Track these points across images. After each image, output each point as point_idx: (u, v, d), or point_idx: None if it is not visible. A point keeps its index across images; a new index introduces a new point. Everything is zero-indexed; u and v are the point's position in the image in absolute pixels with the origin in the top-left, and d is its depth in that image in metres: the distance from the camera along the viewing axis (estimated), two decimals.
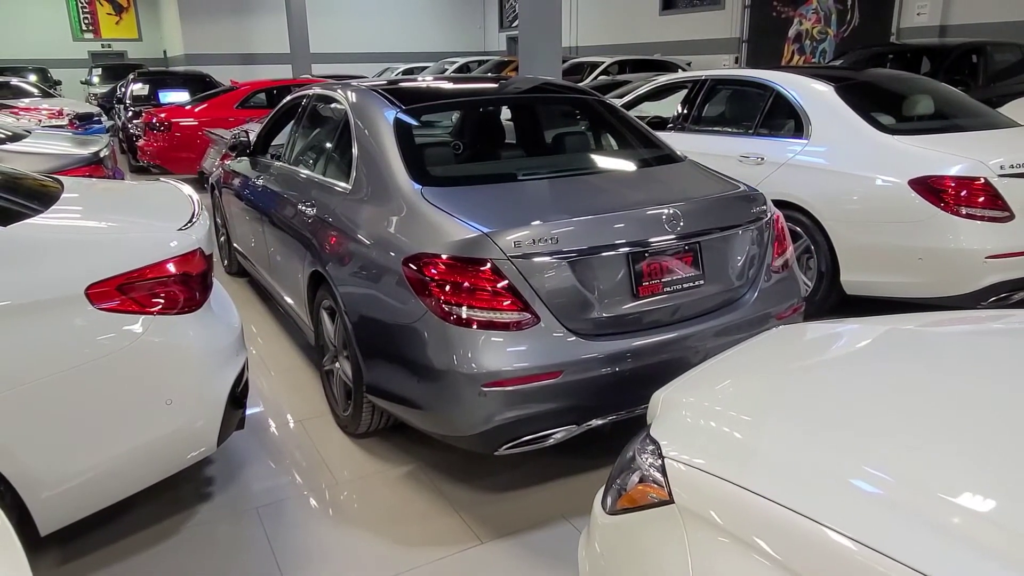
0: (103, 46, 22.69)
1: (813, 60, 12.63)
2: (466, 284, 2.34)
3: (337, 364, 3.13)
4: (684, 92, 5.54)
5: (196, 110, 9.14)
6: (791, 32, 12.95)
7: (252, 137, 7.12)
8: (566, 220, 2.43)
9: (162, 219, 2.52)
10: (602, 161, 3.11)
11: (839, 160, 4.08)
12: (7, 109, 11.13)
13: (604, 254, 2.44)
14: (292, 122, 4.22)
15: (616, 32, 16.72)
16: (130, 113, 11.03)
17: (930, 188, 3.68)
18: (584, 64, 13.59)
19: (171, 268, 2.28)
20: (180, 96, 11.79)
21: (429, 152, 3.00)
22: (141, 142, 9.35)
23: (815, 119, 4.28)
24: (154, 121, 9.00)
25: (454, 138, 3.20)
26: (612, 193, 2.74)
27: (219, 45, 19.68)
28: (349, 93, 3.44)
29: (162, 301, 2.25)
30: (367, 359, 2.74)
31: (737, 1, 13.77)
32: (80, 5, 22.23)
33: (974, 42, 8.38)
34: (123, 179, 6.82)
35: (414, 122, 3.09)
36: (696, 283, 2.63)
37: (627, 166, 3.10)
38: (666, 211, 2.55)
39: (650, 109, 6.15)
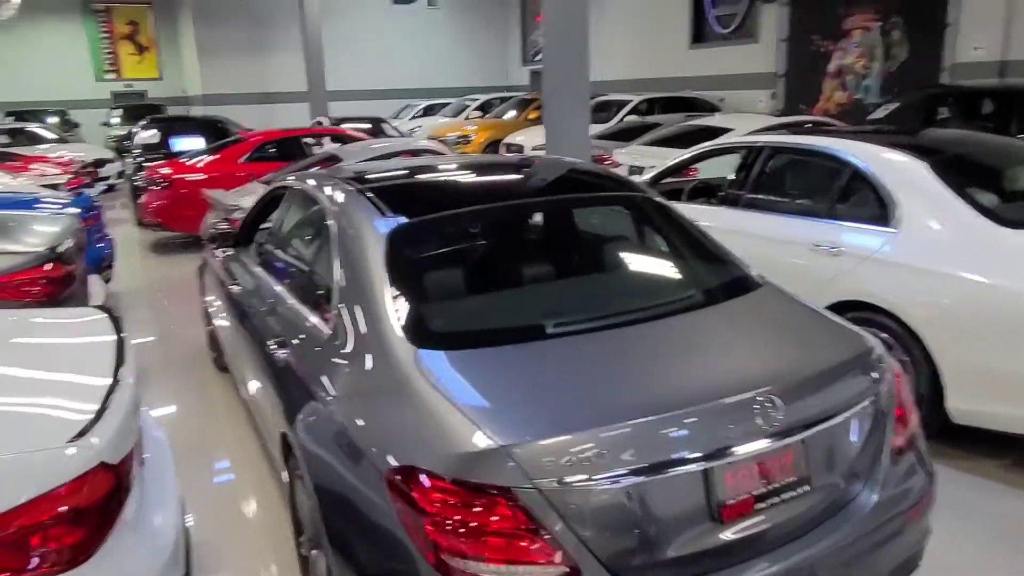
0: (125, 86, 22.58)
1: (857, 97, 11.84)
2: (473, 521, 1.62)
3: (315, 553, 2.42)
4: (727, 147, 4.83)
5: (199, 165, 8.60)
6: (832, 67, 12.19)
7: (247, 201, 6.55)
8: (620, 423, 1.69)
9: (54, 415, 1.83)
10: (658, 297, 2.36)
11: (942, 258, 3.31)
12: (13, 159, 10.73)
13: (675, 471, 1.70)
14: (277, 215, 3.57)
15: (643, 66, 16.07)
16: (136, 164, 10.55)
17: None
18: (611, 103, 12.92)
19: (54, 507, 1.59)
20: (194, 142, 11.31)
21: (430, 289, 2.30)
22: (143, 199, 8.82)
23: (906, 204, 3.51)
24: (155, 178, 8.47)
25: (461, 262, 2.51)
26: (679, 361, 2.00)
27: (237, 84, 19.39)
28: (334, 194, 2.76)
29: (36, 558, 1.56)
30: None
31: (773, 34, 13.06)
32: (103, 46, 22.17)
33: None
34: (110, 250, 6.24)
35: (412, 244, 2.39)
36: (800, 490, 1.87)
37: (692, 304, 2.34)
38: (759, 398, 1.81)
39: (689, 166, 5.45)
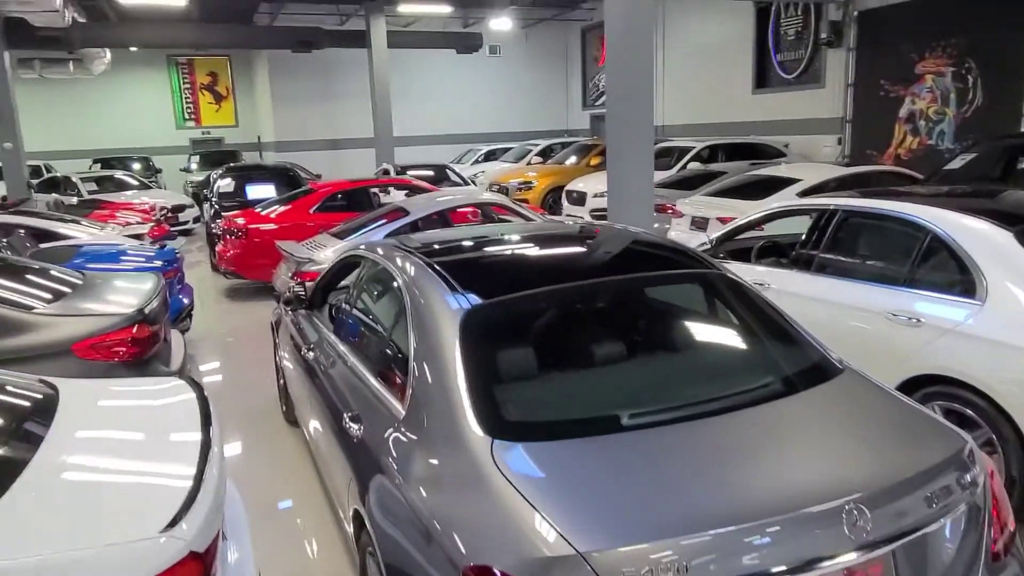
0: (203, 133, 23.78)
1: (929, 142, 11.52)
2: None
3: None
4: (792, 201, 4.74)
5: (272, 216, 8.94)
6: (902, 112, 11.91)
7: (323, 255, 6.75)
8: (701, 532, 1.66)
9: (145, 498, 1.91)
10: (734, 385, 2.31)
11: None
12: (100, 207, 11.35)
13: None
14: (352, 281, 3.67)
15: (705, 110, 16.02)
16: (213, 211, 11.02)
17: None
18: (673, 149, 12.89)
19: None
20: (266, 190, 11.77)
21: (503, 376, 2.31)
22: (219, 247, 9.20)
23: (992, 276, 3.38)
24: (231, 227, 8.83)
25: (533, 346, 2.49)
26: (760, 461, 1.95)
27: (307, 131, 20.16)
28: (405, 266, 2.83)
29: None
30: None
31: (839, 79, 12.87)
32: (184, 96, 23.48)
33: None
34: (189, 300, 6.51)
35: (485, 328, 2.41)
36: None
37: (771, 394, 2.29)
38: (847, 507, 1.75)
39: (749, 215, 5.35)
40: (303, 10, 17.57)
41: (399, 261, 2.94)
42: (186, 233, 14.22)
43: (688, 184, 9.91)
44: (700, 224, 8.01)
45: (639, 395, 2.31)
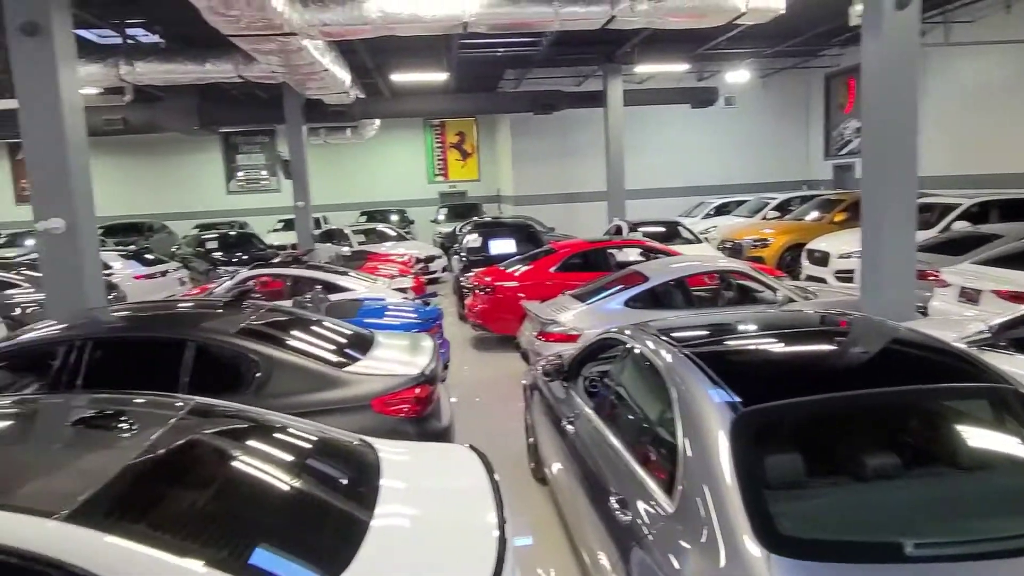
0: (449, 187, 26.21)
1: None
2: None
3: None
4: None
5: (516, 274, 9.62)
6: None
7: (566, 317, 7.15)
8: None
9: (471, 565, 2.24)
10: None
11: None
12: (367, 260, 12.94)
13: None
14: (608, 359, 3.92)
15: (973, 160, 14.39)
16: (462, 265, 12.06)
17: None
18: (933, 205, 11.71)
19: None
20: (507, 245, 12.65)
21: (777, 482, 2.36)
22: (468, 300, 10.07)
23: None
24: (480, 284, 9.64)
25: (805, 457, 2.47)
26: None
27: (543, 186, 21.30)
28: (665, 355, 3.00)
29: None
30: None
31: None
32: (435, 154, 26.14)
33: None
34: (447, 352, 7.20)
35: (759, 430, 2.48)
36: None
37: None
38: None
39: None
40: (544, 74, 18.77)
41: (652, 345, 3.12)
42: (434, 282, 15.68)
43: (953, 247, 9.00)
44: (970, 297, 7.25)
45: (923, 521, 2.24)
